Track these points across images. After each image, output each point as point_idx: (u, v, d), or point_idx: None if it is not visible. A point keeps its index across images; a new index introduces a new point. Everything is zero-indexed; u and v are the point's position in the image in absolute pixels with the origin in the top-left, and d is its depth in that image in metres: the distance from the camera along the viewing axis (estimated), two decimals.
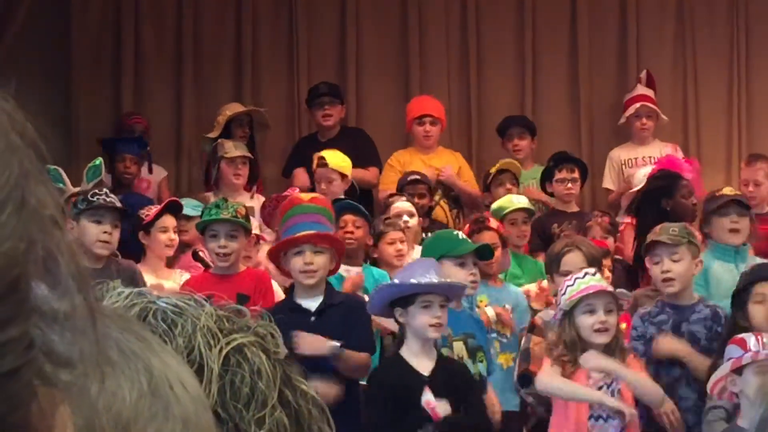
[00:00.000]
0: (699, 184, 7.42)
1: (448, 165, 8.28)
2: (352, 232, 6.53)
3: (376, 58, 9.37)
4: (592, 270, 5.35)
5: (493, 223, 6.71)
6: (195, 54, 9.25)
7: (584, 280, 5.19)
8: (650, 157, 8.45)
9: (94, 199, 5.96)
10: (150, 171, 8.29)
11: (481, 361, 5.64)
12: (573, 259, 5.79)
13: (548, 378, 5.19)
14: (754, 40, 9.41)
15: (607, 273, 6.53)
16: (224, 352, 1.07)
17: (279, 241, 5.75)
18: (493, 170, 8.11)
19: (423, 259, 5.64)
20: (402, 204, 7.19)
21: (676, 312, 5.70)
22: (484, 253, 5.95)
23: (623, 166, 8.76)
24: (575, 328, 5.15)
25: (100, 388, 0.71)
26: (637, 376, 5.21)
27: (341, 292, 5.85)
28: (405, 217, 6.98)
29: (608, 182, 8.83)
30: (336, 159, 7.52)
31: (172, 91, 9.24)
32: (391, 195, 7.57)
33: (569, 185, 8.03)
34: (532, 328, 5.74)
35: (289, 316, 5.09)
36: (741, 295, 5.49)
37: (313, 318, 5.42)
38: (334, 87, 8.74)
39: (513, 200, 7.35)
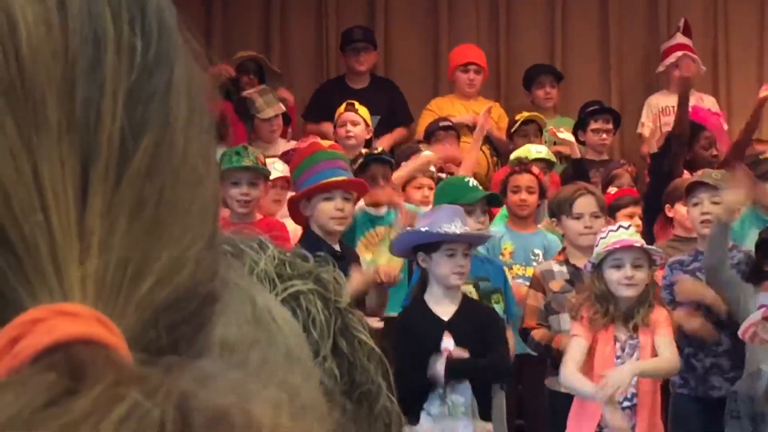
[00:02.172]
0: (723, 137, 7.39)
1: (485, 112, 8.24)
2: (382, 186, 6.49)
3: (405, 4, 9.31)
4: (626, 224, 5.33)
5: (536, 169, 6.73)
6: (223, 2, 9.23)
7: (617, 233, 5.17)
8: None
9: None
10: None
11: (498, 303, 5.64)
12: (585, 202, 5.77)
13: (570, 374, 5.15)
14: None
15: (638, 221, 6.52)
16: (279, 299, 1.04)
17: (312, 185, 5.63)
18: (519, 117, 8.07)
19: (448, 207, 5.60)
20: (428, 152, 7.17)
21: None
22: (492, 201, 5.97)
23: (660, 114, 8.70)
24: (604, 282, 5.14)
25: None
26: (653, 365, 5.13)
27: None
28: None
29: (645, 128, 8.77)
30: (363, 111, 7.51)
31: (199, 39, 9.19)
32: (419, 141, 7.56)
33: (603, 135, 8.02)
34: (531, 285, 5.75)
35: None
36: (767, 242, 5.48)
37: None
38: (369, 32, 8.70)
39: (532, 150, 7.33)
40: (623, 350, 5.14)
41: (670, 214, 6.50)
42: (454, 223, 5.17)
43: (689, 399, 5.59)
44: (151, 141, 0.58)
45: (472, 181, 6.10)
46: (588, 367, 5.13)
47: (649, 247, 5.29)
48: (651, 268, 5.20)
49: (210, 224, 0.61)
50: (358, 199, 5.74)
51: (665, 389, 5.59)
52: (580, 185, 6.14)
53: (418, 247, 5.22)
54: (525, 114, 8.13)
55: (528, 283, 5.97)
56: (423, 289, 5.27)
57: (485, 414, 5.21)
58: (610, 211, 6.38)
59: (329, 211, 5.46)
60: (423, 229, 5.24)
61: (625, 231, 5.19)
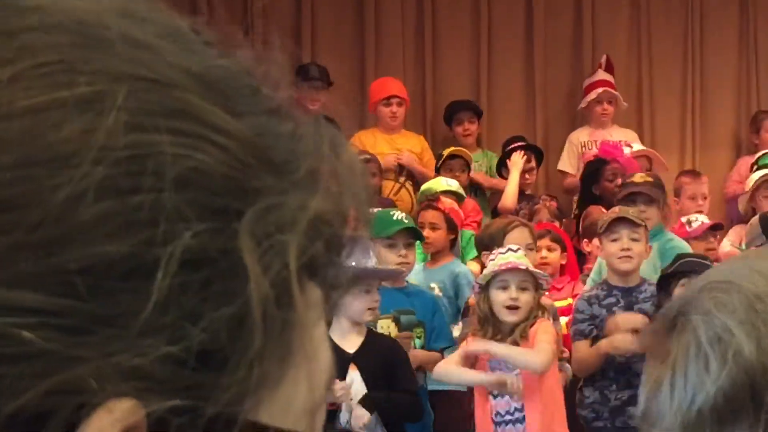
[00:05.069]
0: (631, 165, 7.54)
1: (407, 150, 8.28)
2: None
3: (330, 38, 9.33)
4: (515, 247, 5.35)
5: (445, 202, 6.71)
6: None
7: (505, 256, 5.21)
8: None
9: None
10: None
11: (419, 337, 5.63)
12: (519, 235, 5.80)
13: (443, 366, 5.25)
14: (709, 26, 9.46)
15: (545, 253, 6.54)
16: None
17: None
18: (445, 153, 8.12)
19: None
20: None
21: (624, 293, 5.71)
22: (416, 234, 5.97)
23: (583, 149, 8.78)
24: (489, 303, 5.17)
25: None
26: (509, 350, 5.16)
27: None
28: None
29: (566, 165, 8.83)
30: None
31: None
32: None
33: (526, 176, 8.07)
34: (466, 312, 5.78)
35: None
36: (668, 279, 5.51)
37: None
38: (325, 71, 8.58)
39: (442, 182, 7.37)
40: (509, 368, 5.18)
41: (587, 249, 6.56)
42: (367, 258, 5.15)
43: (608, 431, 5.60)
44: None
45: (398, 214, 6.03)
46: None
47: (535, 270, 5.32)
48: (537, 292, 5.23)
49: None
50: None
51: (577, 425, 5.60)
52: (511, 218, 6.17)
53: None
54: (451, 149, 8.19)
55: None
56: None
57: None
58: None
59: None
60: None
61: (513, 254, 5.23)
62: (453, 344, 5.80)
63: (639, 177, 6.80)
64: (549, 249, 6.59)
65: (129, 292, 0.53)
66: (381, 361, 5.12)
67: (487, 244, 5.95)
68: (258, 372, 0.56)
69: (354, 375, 5.05)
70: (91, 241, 0.53)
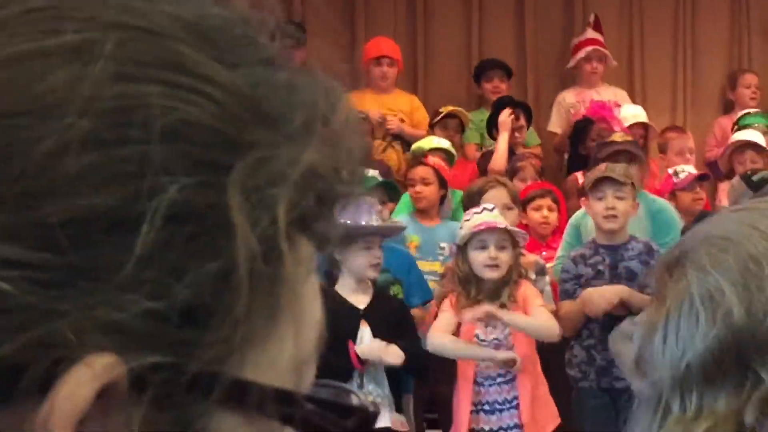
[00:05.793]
0: (617, 124, 7.55)
1: (391, 114, 8.26)
2: None
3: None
4: (490, 206, 5.36)
5: (432, 159, 6.73)
6: None
7: (481, 216, 5.22)
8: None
9: None
10: None
11: (398, 294, 5.67)
12: (496, 194, 5.81)
13: (438, 337, 5.24)
14: None
15: (545, 213, 6.57)
16: None
17: None
18: (443, 110, 8.12)
19: (364, 199, 5.58)
20: None
21: (610, 252, 5.71)
22: (391, 190, 6.02)
23: (571, 110, 8.77)
24: (468, 264, 5.19)
25: None
26: (526, 320, 5.20)
27: None
28: None
29: (554, 125, 8.82)
30: None
31: None
32: None
33: (516, 134, 8.06)
34: (443, 276, 5.79)
35: None
36: None
37: None
38: (302, 27, 8.61)
39: (433, 141, 7.38)
40: (494, 326, 5.21)
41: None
42: (369, 216, 5.19)
43: (593, 391, 5.61)
44: None
45: (372, 172, 6.13)
46: None
47: (512, 228, 5.34)
48: (515, 249, 5.25)
49: None
50: None
51: (567, 385, 5.63)
52: (491, 177, 6.17)
53: None
54: (449, 108, 8.18)
55: (436, 279, 6.02)
56: (331, 282, 5.28)
57: (397, 407, 5.25)
58: (522, 205, 6.45)
59: None
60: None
61: (489, 213, 5.25)
62: (431, 297, 5.84)
63: (619, 136, 6.81)
64: (549, 209, 6.62)
65: (112, 245, 0.52)
66: (391, 318, 5.18)
67: (466, 204, 5.98)
68: (243, 329, 0.55)
69: (364, 330, 5.10)
70: (74, 193, 0.52)
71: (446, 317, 5.27)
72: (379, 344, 5.07)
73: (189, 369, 0.54)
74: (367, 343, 5.09)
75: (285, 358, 0.59)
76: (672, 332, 1.12)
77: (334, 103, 0.62)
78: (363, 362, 5.05)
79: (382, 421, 5.09)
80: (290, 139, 0.58)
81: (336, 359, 4.86)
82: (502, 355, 5.18)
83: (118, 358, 0.52)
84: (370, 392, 5.09)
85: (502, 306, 5.17)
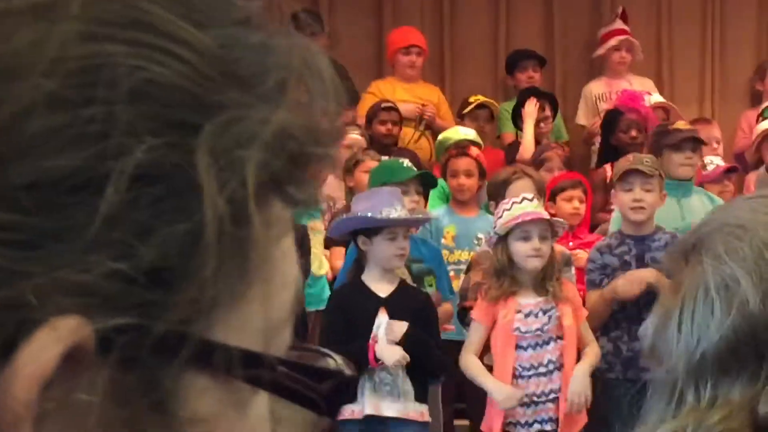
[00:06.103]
0: (652, 118, 7.53)
1: (428, 102, 8.27)
2: None
3: None
4: (530, 195, 5.35)
5: (474, 151, 6.75)
6: None
7: (521, 206, 5.20)
8: None
9: None
10: None
11: (431, 285, 5.67)
12: (522, 185, 5.80)
13: (464, 358, 5.25)
14: None
15: (576, 204, 6.57)
16: None
17: None
18: (473, 100, 8.11)
19: (386, 189, 5.55)
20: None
21: (637, 242, 5.71)
22: (428, 180, 6.00)
23: (597, 101, 8.75)
24: (508, 253, 5.19)
25: None
26: (591, 361, 5.29)
27: None
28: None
29: (581, 118, 8.81)
30: None
31: None
32: (357, 125, 7.62)
33: (541, 125, 8.05)
34: (469, 268, 5.77)
35: None
36: None
37: None
38: (317, 16, 8.63)
39: (460, 131, 7.38)
40: (536, 316, 5.19)
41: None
42: (395, 207, 5.17)
43: (620, 382, 5.59)
44: None
45: (406, 162, 6.13)
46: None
47: (554, 219, 5.34)
48: (552, 240, 5.26)
49: None
50: None
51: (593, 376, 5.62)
52: (517, 167, 6.16)
53: (357, 231, 5.23)
54: (480, 98, 8.17)
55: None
56: (359, 272, 5.28)
57: (421, 396, 5.24)
58: (551, 196, 6.45)
59: None
60: (368, 215, 5.16)
61: (530, 203, 5.23)
62: (454, 296, 5.85)
63: (682, 124, 6.82)
64: (580, 200, 6.62)
65: (77, 206, 0.52)
66: (413, 311, 5.15)
67: (491, 194, 5.98)
68: (211, 290, 0.55)
69: (382, 318, 5.10)
70: (39, 155, 0.51)
71: (477, 331, 5.25)
72: (395, 352, 5.06)
73: (156, 330, 0.53)
74: (382, 331, 5.07)
75: (255, 320, 0.58)
76: (687, 321, 1.12)
77: (310, 63, 0.60)
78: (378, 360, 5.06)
79: (389, 411, 5.10)
80: (262, 99, 0.57)
81: (354, 349, 4.89)
82: (519, 393, 5.17)
83: (84, 320, 0.51)
84: (380, 379, 5.09)
85: (553, 295, 5.17)
